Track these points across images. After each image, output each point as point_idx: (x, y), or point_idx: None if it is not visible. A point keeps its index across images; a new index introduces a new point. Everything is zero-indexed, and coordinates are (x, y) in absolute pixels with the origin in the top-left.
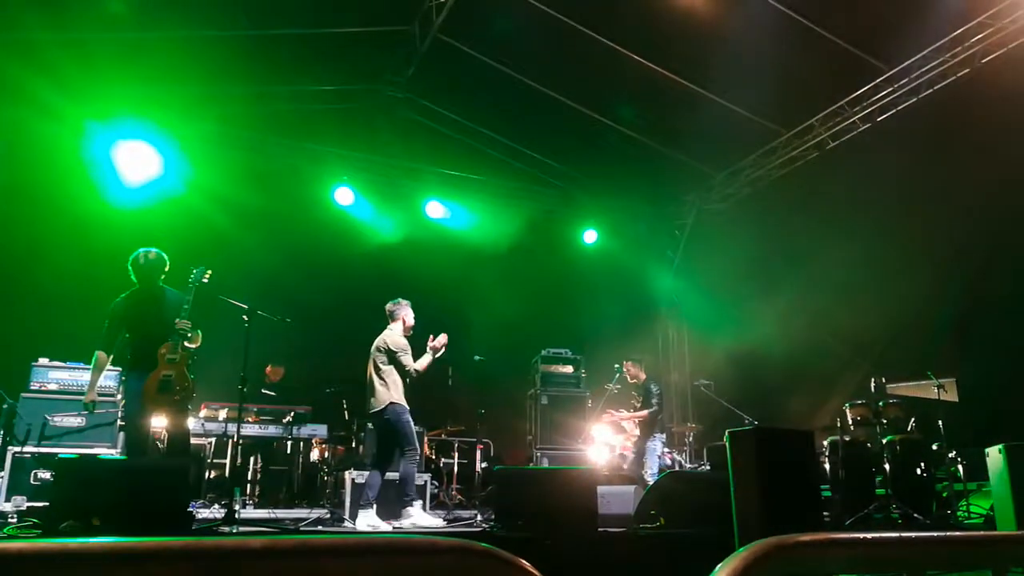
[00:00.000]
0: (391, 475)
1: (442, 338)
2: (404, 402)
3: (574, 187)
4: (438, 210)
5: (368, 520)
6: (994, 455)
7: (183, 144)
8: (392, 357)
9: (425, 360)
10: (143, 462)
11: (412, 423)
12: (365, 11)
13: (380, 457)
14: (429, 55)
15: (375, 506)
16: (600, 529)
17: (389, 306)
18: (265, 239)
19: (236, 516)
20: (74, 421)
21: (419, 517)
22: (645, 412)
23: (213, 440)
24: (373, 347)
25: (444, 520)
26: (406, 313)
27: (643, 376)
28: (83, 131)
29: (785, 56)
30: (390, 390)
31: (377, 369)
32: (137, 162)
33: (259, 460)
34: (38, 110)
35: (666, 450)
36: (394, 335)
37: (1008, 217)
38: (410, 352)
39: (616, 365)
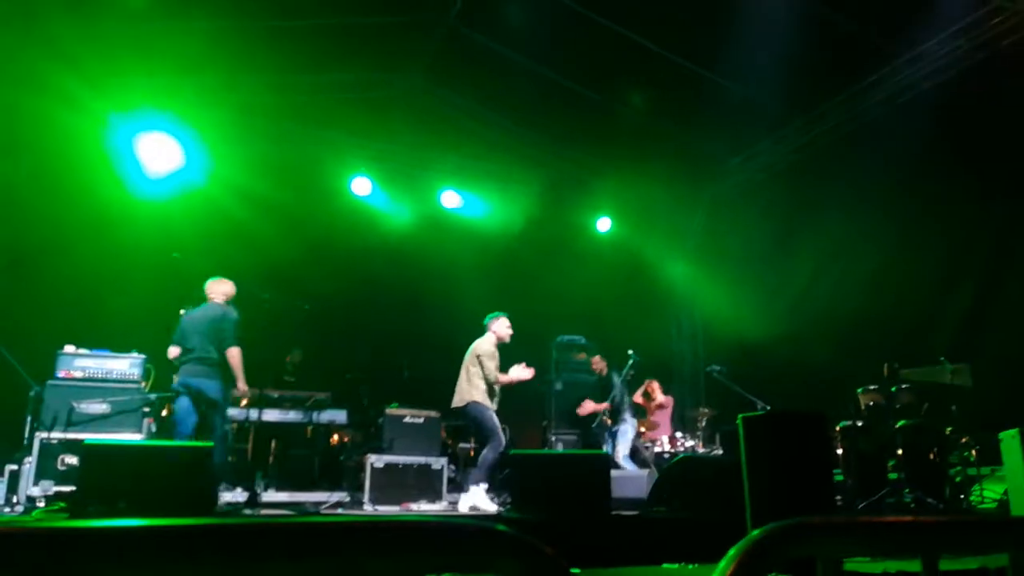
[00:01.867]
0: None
1: (525, 373)
2: (486, 401)
3: (588, 175)
4: (454, 199)
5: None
6: (1009, 440)
7: (204, 135)
8: (479, 361)
9: (511, 377)
10: (166, 447)
11: (495, 418)
12: (383, 1)
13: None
14: (446, 45)
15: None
16: (613, 512)
17: (487, 321)
18: (284, 229)
19: (258, 499)
20: (100, 407)
21: (479, 499)
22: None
23: (235, 425)
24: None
25: (449, 503)
26: (497, 326)
27: (605, 368)
28: (106, 123)
29: (800, 40)
30: (472, 390)
31: (467, 370)
32: (159, 154)
33: (281, 445)
34: (61, 102)
35: (682, 435)
36: (485, 342)
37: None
38: (495, 359)
39: (630, 351)
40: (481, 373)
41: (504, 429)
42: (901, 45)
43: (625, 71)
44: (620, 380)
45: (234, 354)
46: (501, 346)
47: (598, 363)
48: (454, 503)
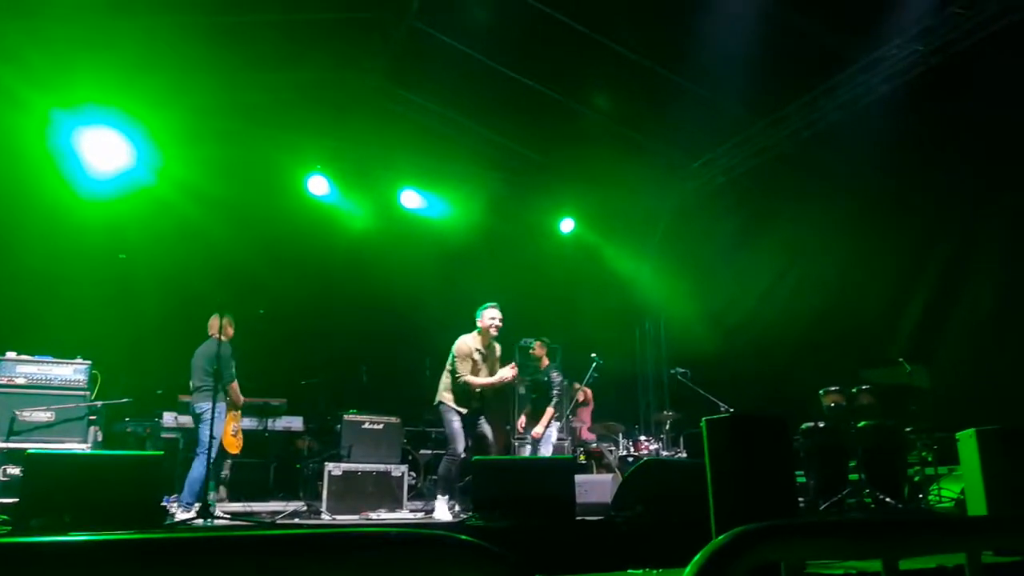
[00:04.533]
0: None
1: (509, 372)
2: (453, 403)
3: (551, 176)
4: (414, 199)
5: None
6: (965, 440)
7: (153, 133)
8: (452, 360)
9: (483, 380)
10: (113, 457)
11: (455, 423)
12: None
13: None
14: (405, 43)
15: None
16: (578, 517)
17: (476, 316)
18: (237, 229)
19: (211, 510)
20: (43, 416)
21: (439, 511)
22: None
23: (186, 433)
24: None
25: (424, 512)
26: (481, 317)
27: (546, 360)
28: (49, 120)
29: (761, 43)
30: (442, 390)
31: (444, 367)
32: (105, 152)
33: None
34: (0, 97)
35: (646, 438)
36: (465, 339)
37: (981, 203)
38: (470, 360)
39: (593, 355)
40: (452, 373)
41: (483, 436)
42: (860, 49)
43: (589, 72)
44: (562, 377)
45: (233, 388)
46: None
47: (539, 350)
48: (415, 511)
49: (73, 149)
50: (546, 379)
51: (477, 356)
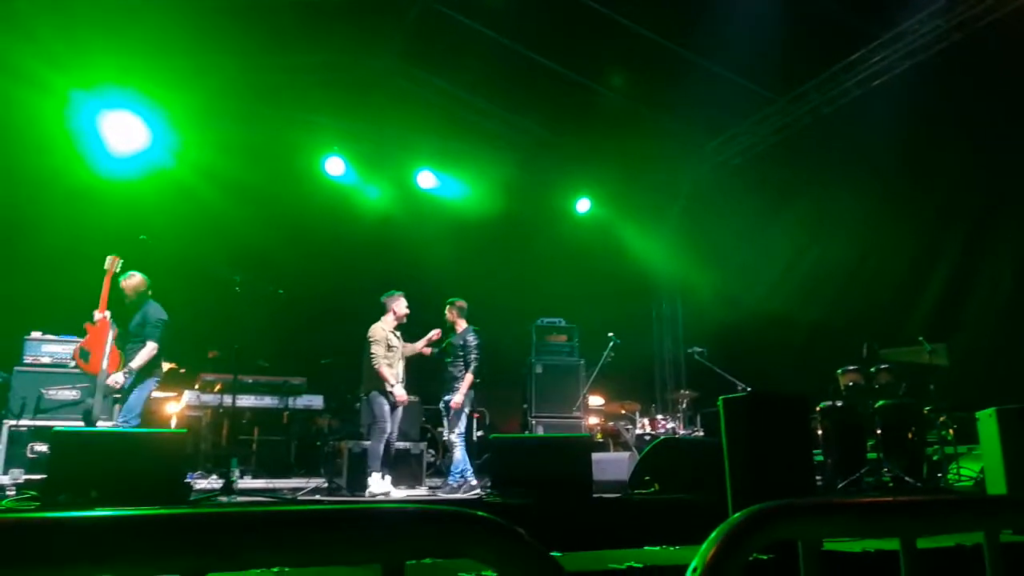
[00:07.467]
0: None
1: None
2: (383, 386)
3: (568, 156)
4: (430, 180)
5: (374, 486)
6: (985, 419)
7: (171, 114)
8: (369, 345)
9: (387, 375)
10: (138, 434)
11: (387, 406)
12: None
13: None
14: (421, 23)
15: (381, 473)
16: (595, 495)
17: (383, 299)
18: (255, 210)
19: (234, 486)
20: (69, 394)
21: (375, 486)
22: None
23: (209, 411)
24: None
25: (429, 488)
26: (396, 304)
27: (461, 323)
28: (68, 101)
29: (779, 21)
30: (371, 377)
31: (365, 357)
32: (124, 133)
33: (256, 431)
34: (20, 79)
35: (663, 416)
36: (378, 325)
37: (1001, 181)
38: (384, 343)
39: (610, 334)
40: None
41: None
42: (880, 26)
43: (605, 51)
44: (477, 340)
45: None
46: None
47: (451, 315)
48: (434, 488)
49: (92, 130)
50: (462, 343)
51: (395, 340)
